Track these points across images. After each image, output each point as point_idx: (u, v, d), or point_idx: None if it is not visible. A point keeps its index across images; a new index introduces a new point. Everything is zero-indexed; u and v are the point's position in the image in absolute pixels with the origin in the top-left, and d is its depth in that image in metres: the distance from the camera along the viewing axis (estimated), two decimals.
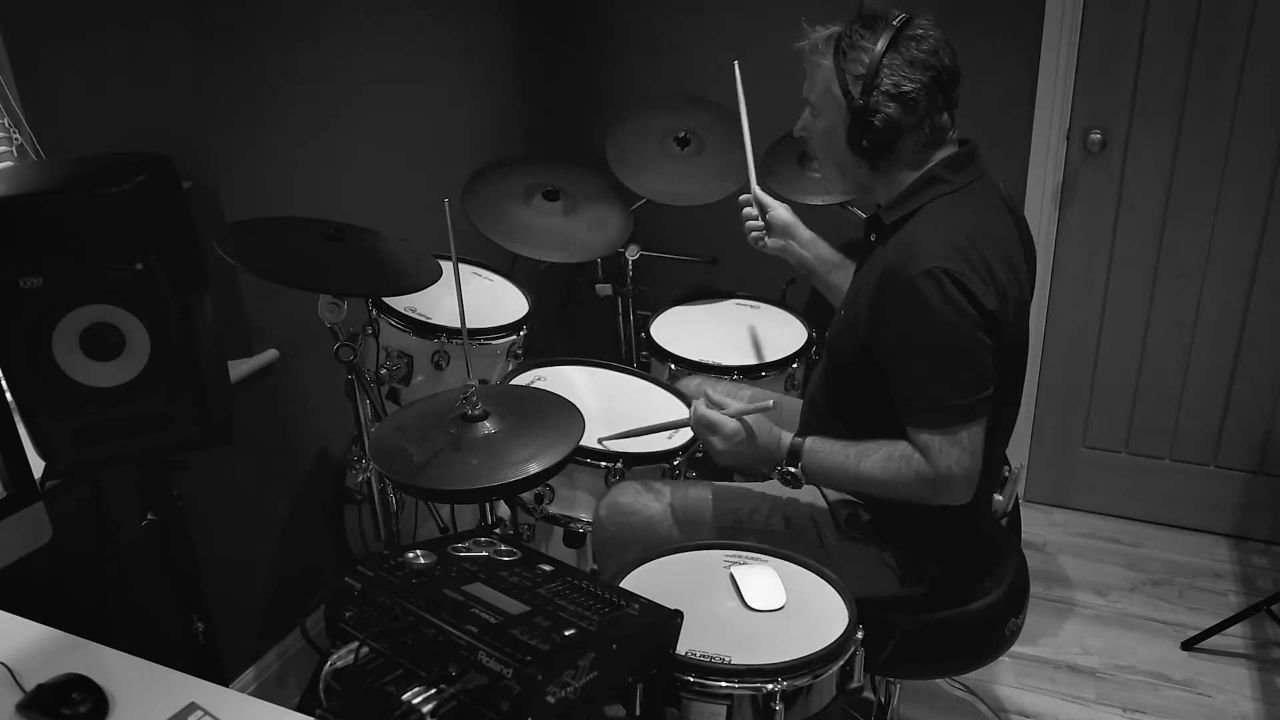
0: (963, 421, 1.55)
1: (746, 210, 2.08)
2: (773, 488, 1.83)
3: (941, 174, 1.62)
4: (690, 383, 2.25)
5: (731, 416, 1.70)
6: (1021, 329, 1.65)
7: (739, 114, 2.15)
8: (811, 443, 1.69)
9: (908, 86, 1.55)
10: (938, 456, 1.56)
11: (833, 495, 1.79)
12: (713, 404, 1.74)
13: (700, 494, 1.83)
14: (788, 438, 1.71)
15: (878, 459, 1.62)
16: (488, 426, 1.64)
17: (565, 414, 1.73)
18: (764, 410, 1.72)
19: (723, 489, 1.85)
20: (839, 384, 1.77)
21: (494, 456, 1.59)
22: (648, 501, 1.81)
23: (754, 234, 2.07)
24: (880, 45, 1.55)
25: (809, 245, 2.03)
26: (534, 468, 1.57)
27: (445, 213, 1.56)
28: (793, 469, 1.69)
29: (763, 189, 2.09)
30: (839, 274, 2.01)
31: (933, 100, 1.57)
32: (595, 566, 1.92)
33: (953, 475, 1.56)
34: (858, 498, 1.75)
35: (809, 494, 1.79)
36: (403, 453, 1.60)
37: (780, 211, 2.05)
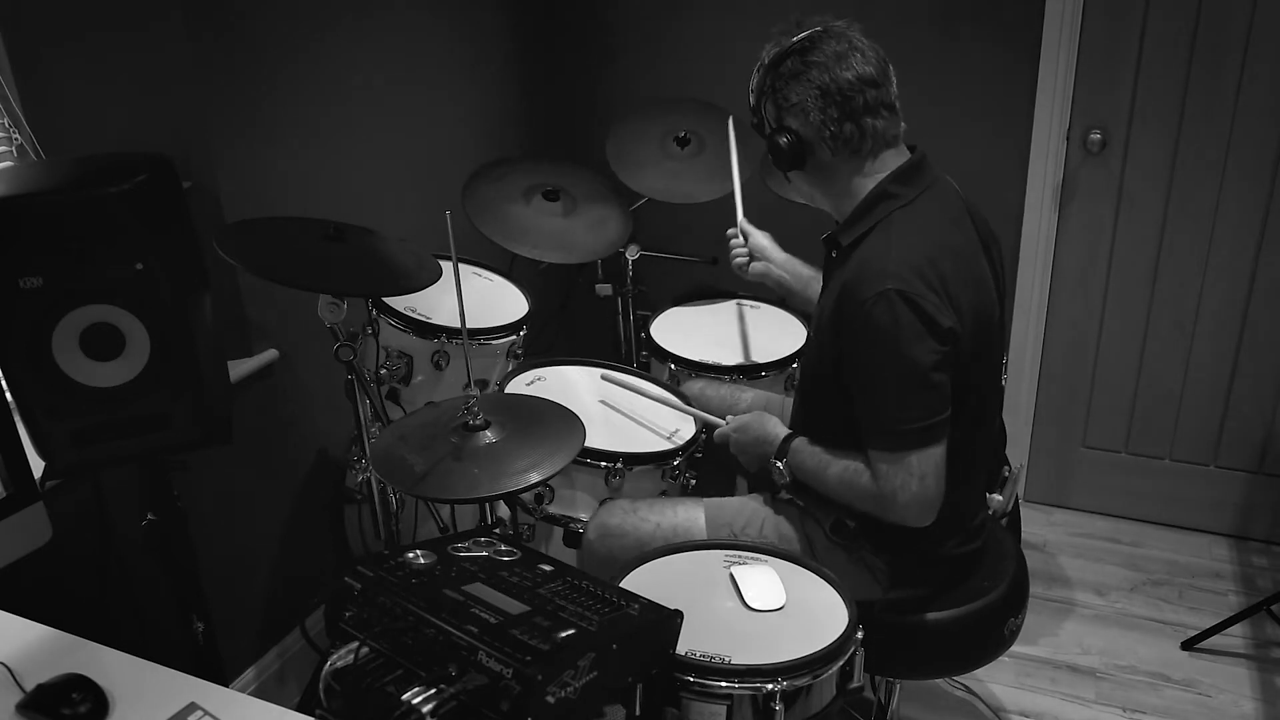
0: (911, 446, 1.55)
1: (734, 241, 2.17)
2: (763, 503, 1.83)
3: (890, 188, 1.63)
4: (693, 385, 2.26)
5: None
6: (986, 344, 1.63)
7: (730, 160, 2.34)
8: (797, 442, 1.74)
9: (794, 99, 1.61)
10: (883, 478, 1.57)
11: (817, 502, 1.79)
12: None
13: (690, 513, 1.82)
14: (783, 431, 1.77)
15: (837, 470, 1.65)
16: (489, 436, 1.64)
17: (566, 422, 1.73)
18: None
19: (713, 505, 1.84)
20: (812, 401, 1.78)
21: (495, 466, 1.59)
22: (636, 523, 1.81)
23: (738, 260, 2.15)
24: (756, 80, 1.68)
25: (785, 265, 2.11)
26: (535, 477, 1.57)
27: (447, 223, 1.57)
28: (780, 463, 1.73)
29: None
30: (816, 286, 2.02)
31: (826, 101, 1.59)
32: None
33: (897, 498, 1.57)
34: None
35: (798, 505, 1.80)
36: (404, 462, 1.60)
37: (759, 237, 2.15)
